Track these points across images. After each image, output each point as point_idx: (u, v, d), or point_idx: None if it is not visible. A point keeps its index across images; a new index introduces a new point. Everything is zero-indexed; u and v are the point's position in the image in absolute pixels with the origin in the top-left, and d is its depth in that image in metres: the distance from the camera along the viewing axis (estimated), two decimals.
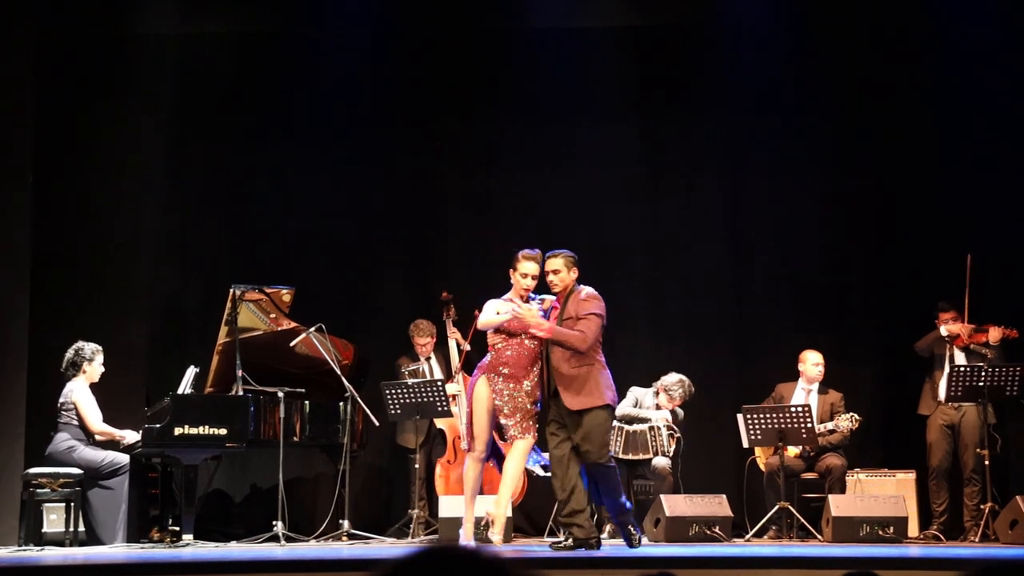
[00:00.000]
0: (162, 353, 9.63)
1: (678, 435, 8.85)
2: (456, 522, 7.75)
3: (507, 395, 7.10)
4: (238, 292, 8.36)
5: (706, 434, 9.48)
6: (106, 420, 8.34)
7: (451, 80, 10.07)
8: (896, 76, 9.85)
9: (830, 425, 8.83)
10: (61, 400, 8.29)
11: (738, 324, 10.00)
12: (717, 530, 8.12)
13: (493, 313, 7.13)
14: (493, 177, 10.29)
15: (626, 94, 10.08)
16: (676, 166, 10.22)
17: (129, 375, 9.08)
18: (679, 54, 10.05)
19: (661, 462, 8.72)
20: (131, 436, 8.29)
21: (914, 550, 7.83)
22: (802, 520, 8.39)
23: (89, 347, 8.38)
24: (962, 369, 8.59)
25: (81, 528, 8.09)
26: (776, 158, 10.04)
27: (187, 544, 7.81)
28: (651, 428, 8.80)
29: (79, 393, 8.27)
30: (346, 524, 8.33)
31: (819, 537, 8.26)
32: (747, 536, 8.43)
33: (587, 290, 7.20)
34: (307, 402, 8.46)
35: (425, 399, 8.47)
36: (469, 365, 8.86)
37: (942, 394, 8.76)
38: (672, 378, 8.95)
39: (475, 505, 7.37)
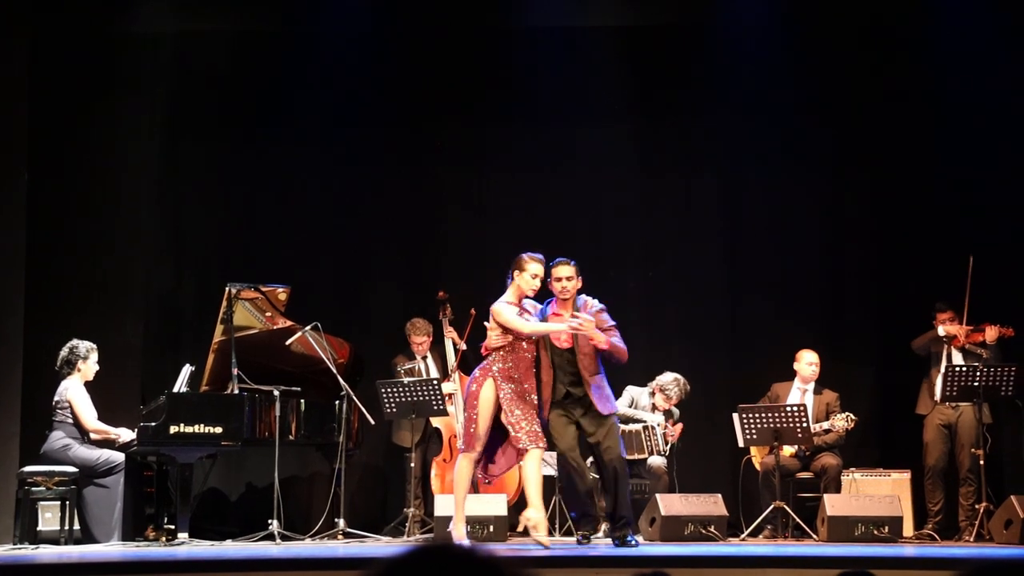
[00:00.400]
0: (158, 351, 9.62)
1: (680, 427, 8.86)
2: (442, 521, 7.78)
3: (518, 400, 7.18)
4: (234, 290, 8.35)
5: (702, 433, 9.49)
6: (101, 418, 8.34)
7: (448, 79, 10.07)
8: (893, 75, 9.86)
9: (826, 425, 8.83)
10: (56, 398, 8.28)
11: (734, 324, 10.01)
12: (712, 529, 8.13)
13: (522, 319, 7.21)
14: (490, 177, 10.29)
15: (623, 94, 10.08)
16: (673, 166, 10.22)
17: (125, 373, 9.08)
18: (677, 54, 10.06)
19: (656, 461, 8.73)
20: (126, 435, 8.29)
21: (909, 550, 7.84)
22: (797, 519, 8.39)
23: (84, 345, 8.37)
24: (957, 369, 8.59)
25: (76, 527, 8.07)
26: (774, 158, 10.04)
27: (182, 543, 7.80)
28: (646, 428, 8.80)
29: (74, 391, 8.26)
30: (342, 523, 8.33)
31: (814, 536, 8.27)
32: (742, 535, 8.43)
33: (592, 300, 7.46)
34: (303, 401, 8.46)
35: (421, 398, 8.47)
36: (465, 364, 8.88)
37: (938, 394, 8.76)
38: (667, 377, 8.96)
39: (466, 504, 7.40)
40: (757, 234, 10.09)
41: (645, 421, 8.82)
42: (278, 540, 7.99)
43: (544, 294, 7.41)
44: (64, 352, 8.34)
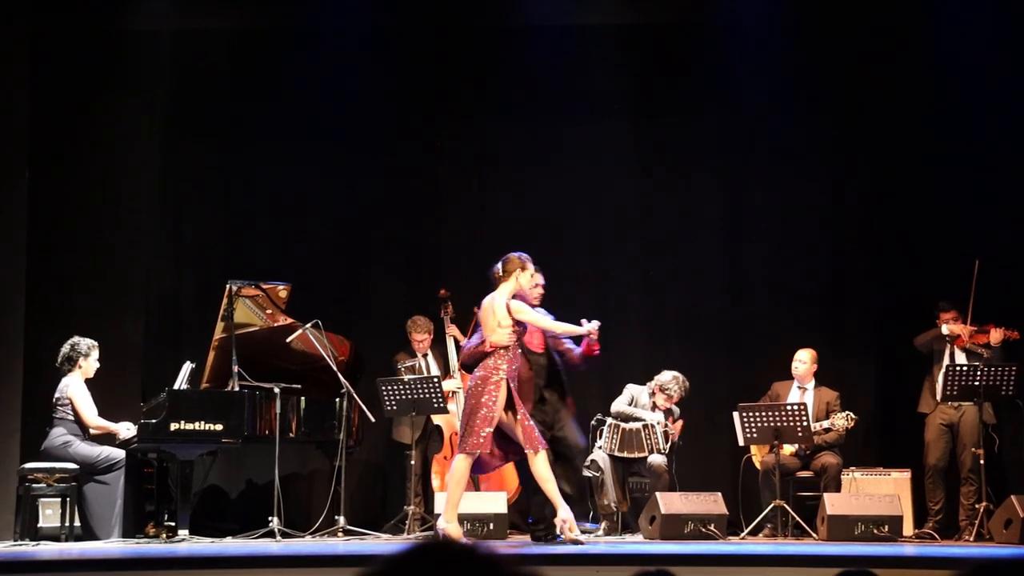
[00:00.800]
0: (158, 349, 9.62)
1: (680, 424, 8.87)
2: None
3: (525, 402, 7.35)
4: (234, 288, 8.36)
5: (702, 432, 9.48)
6: (102, 415, 8.34)
7: (447, 77, 10.07)
8: (894, 73, 9.84)
9: (826, 423, 8.83)
10: (56, 395, 8.29)
11: (734, 322, 10.01)
12: (712, 528, 8.13)
13: (551, 318, 7.49)
14: (489, 174, 10.28)
15: (623, 93, 10.07)
16: (673, 165, 10.22)
17: (125, 371, 9.08)
18: (676, 52, 10.05)
19: (657, 460, 8.72)
20: (127, 430, 8.29)
21: (909, 549, 7.85)
22: (797, 518, 8.39)
23: (85, 342, 8.38)
24: (958, 368, 8.59)
25: (77, 523, 8.09)
26: (773, 156, 10.04)
27: (182, 539, 7.81)
28: (646, 426, 8.79)
29: (75, 388, 8.27)
30: (342, 520, 8.33)
31: (814, 535, 8.27)
32: (742, 534, 8.43)
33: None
34: (303, 398, 8.46)
35: (421, 395, 8.48)
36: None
37: (939, 393, 8.76)
38: (666, 376, 8.95)
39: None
40: (757, 233, 10.08)
41: (645, 420, 8.82)
42: (278, 537, 7.99)
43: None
44: (65, 349, 8.35)
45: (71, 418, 8.25)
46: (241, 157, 10.16)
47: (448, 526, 7.27)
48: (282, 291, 8.56)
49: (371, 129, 10.07)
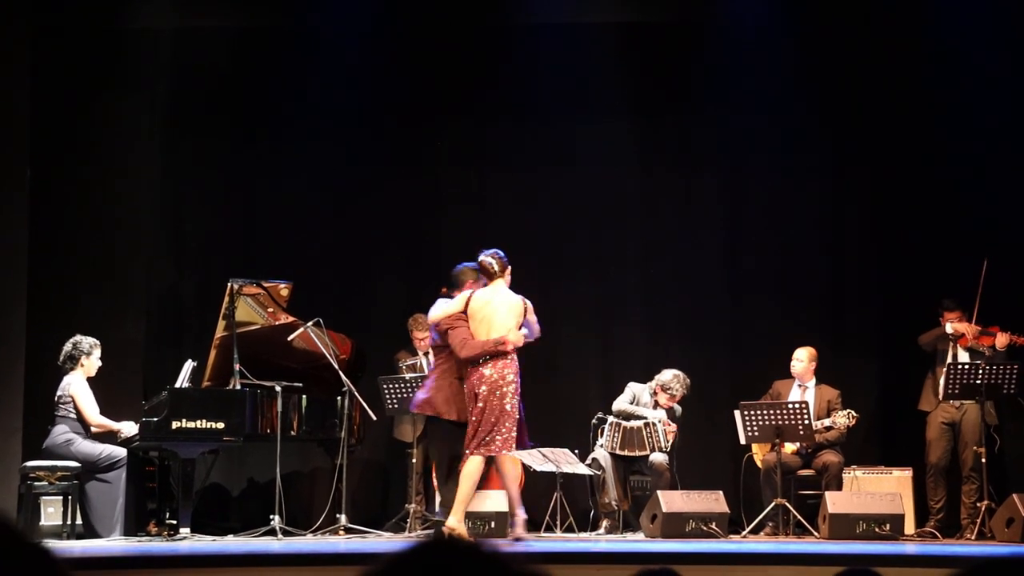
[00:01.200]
0: (159, 347, 9.62)
1: (674, 428, 8.85)
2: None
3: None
4: (236, 286, 8.35)
5: (703, 431, 9.49)
6: (103, 414, 8.34)
7: (448, 76, 10.06)
8: (894, 72, 9.84)
9: (827, 422, 8.83)
10: (58, 393, 8.29)
11: (735, 320, 10.00)
12: (714, 526, 8.13)
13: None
14: (490, 173, 10.28)
15: (623, 92, 10.06)
16: (674, 164, 10.21)
17: (127, 369, 9.08)
18: (677, 51, 10.04)
19: (658, 458, 8.72)
20: (130, 428, 8.29)
21: (910, 547, 7.85)
22: (799, 517, 8.39)
23: (87, 341, 8.38)
24: (959, 367, 8.59)
25: (78, 521, 8.09)
26: (774, 156, 10.03)
27: (184, 538, 7.80)
28: (647, 424, 8.79)
29: (77, 386, 8.27)
30: (343, 518, 8.34)
31: (815, 534, 8.27)
32: (743, 532, 8.43)
33: None
34: (304, 396, 8.45)
35: None
36: None
37: (940, 392, 8.76)
38: (667, 375, 8.94)
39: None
40: (758, 231, 10.08)
41: (647, 417, 8.82)
42: (280, 536, 7.99)
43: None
44: (68, 347, 8.35)
45: (73, 416, 8.25)
46: (242, 156, 10.16)
47: (458, 525, 7.28)
48: (283, 289, 8.56)
49: (371, 128, 10.06)
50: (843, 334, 9.91)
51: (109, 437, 8.34)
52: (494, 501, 8.30)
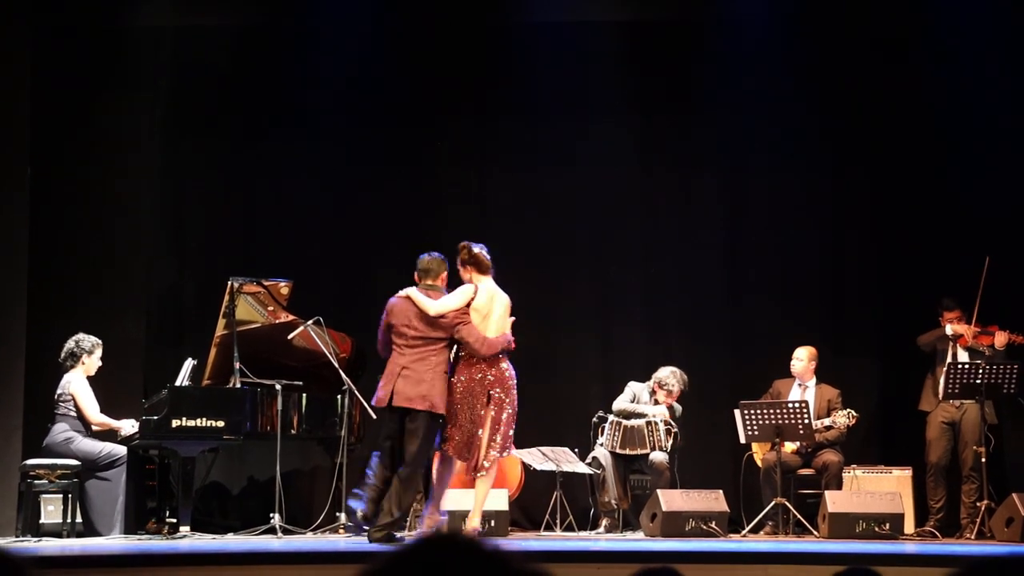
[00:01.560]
0: (160, 346, 9.62)
1: (675, 430, 8.85)
2: (453, 515, 7.79)
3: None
4: (236, 285, 8.35)
5: (703, 430, 9.48)
6: (104, 412, 8.34)
7: (448, 75, 10.05)
8: (895, 71, 9.84)
9: (827, 421, 8.83)
10: (59, 391, 8.29)
11: (735, 320, 10.00)
12: (713, 525, 8.13)
13: None
14: (489, 173, 10.27)
15: (624, 91, 10.06)
16: (673, 162, 10.20)
17: (127, 368, 9.07)
18: (678, 50, 10.03)
19: (658, 457, 8.72)
20: (129, 426, 8.29)
21: (910, 547, 7.85)
22: (798, 516, 8.40)
23: (90, 340, 8.38)
24: (959, 367, 8.59)
25: (78, 519, 8.10)
26: (774, 154, 10.02)
27: (184, 536, 7.81)
28: (648, 423, 8.80)
29: (77, 384, 8.27)
30: (343, 517, 8.34)
31: (815, 533, 8.27)
32: (743, 532, 8.44)
33: None
34: (304, 395, 8.46)
35: None
36: None
37: (941, 392, 8.76)
38: (664, 372, 8.94)
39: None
40: (758, 230, 10.07)
41: (648, 415, 8.82)
42: (280, 534, 8.00)
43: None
44: (70, 344, 8.35)
45: (73, 414, 8.26)
46: (242, 154, 10.15)
47: (480, 526, 7.32)
48: (284, 288, 8.56)
49: (371, 127, 10.06)
50: (843, 334, 9.91)
51: (109, 435, 8.34)
52: (493, 500, 8.29)
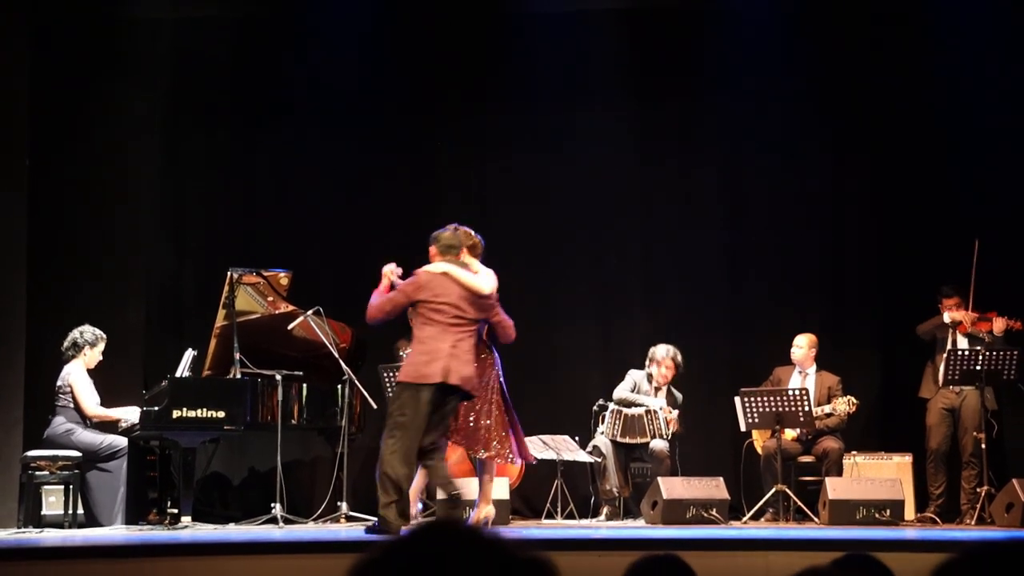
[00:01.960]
0: (160, 336, 9.62)
1: (675, 416, 8.85)
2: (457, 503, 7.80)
3: None
4: (236, 275, 8.35)
5: (703, 417, 9.49)
6: (104, 403, 8.35)
7: (447, 64, 10.04)
8: (895, 59, 9.83)
9: (827, 408, 8.84)
10: (59, 383, 8.30)
11: (735, 308, 10.00)
12: (714, 512, 8.14)
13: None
14: (489, 163, 10.27)
15: (624, 81, 10.05)
16: (673, 152, 10.20)
17: (127, 358, 9.07)
18: (677, 38, 10.02)
19: (659, 445, 8.73)
20: (131, 413, 8.28)
21: (910, 532, 7.86)
22: (799, 503, 8.41)
23: (94, 332, 8.38)
24: (959, 353, 8.60)
25: (80, 511, 8.11)
26: (775, 144, 10.02)
27: (185, 526, 7.82)
28: (648, 412, 8.81)
29: (76, 376, 8.27)
30: (344, 506, 8.35)
31: (816, 520, 8.29)
32: (744, 519, 8.45)
33: None
34: (305, 385, 8.46)
35: None
36: None
37: (941, 378, 8.76)
38: (656, 349, 8.97)
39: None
40: (758, 219, 10.07)
41: (647, 405, 8.83)
42: (281, 524, 8.01)
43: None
44: (74, 334, 8.35)
45: (73, 406, 8.26)
46: (242, 145, 10.15)
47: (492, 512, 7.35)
48: (283, 278, 8.55)
49: (370, 118, 10.05)
50: (844, 321, 9.92)
51: (110, 427, 8.35)
52: (494, 488, 8.29)
